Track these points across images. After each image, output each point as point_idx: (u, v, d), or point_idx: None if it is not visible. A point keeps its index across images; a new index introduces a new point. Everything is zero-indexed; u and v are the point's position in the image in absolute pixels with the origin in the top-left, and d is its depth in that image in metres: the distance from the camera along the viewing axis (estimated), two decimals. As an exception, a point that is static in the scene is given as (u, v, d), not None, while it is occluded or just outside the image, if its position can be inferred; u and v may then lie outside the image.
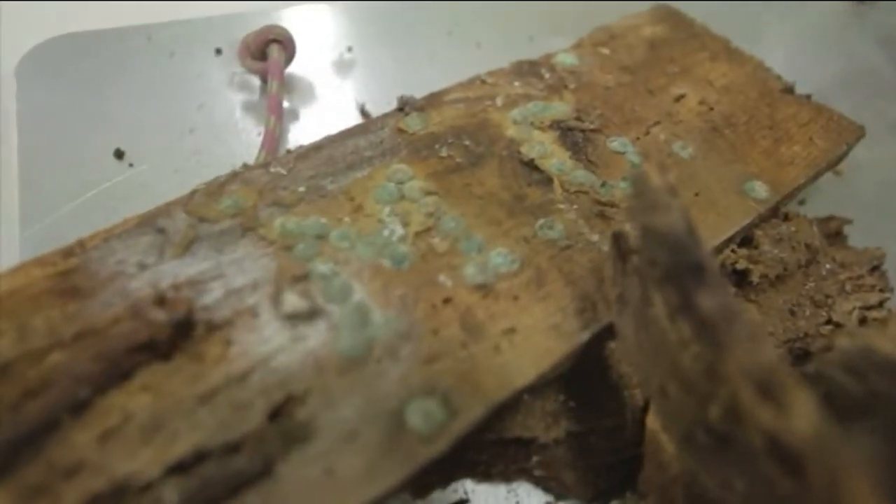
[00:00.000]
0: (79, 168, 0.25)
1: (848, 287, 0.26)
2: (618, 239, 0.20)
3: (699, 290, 0.15)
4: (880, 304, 0.26)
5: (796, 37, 0.42)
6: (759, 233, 0.25)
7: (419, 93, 0.27)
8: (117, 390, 0.17)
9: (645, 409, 0.22)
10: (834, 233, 0.29)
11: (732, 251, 0.24)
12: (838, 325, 0.25)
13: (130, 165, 0.26)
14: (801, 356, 0.25)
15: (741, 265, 0.24)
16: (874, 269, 0.27)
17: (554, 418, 0.21)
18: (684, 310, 0.16)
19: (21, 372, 0.17)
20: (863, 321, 0.25)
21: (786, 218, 0.26)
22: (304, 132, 0.29)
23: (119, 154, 0.26)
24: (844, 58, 0.41)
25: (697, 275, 0.15)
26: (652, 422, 0.21)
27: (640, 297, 0.18)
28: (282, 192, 0.22)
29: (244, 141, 0.28)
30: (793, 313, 0.25)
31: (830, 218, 0.29)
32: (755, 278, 0.24)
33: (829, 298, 0.26)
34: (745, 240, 0.25)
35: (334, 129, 0.25)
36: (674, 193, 0.18)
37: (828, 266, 0.27)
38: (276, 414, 0.17)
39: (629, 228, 0.20)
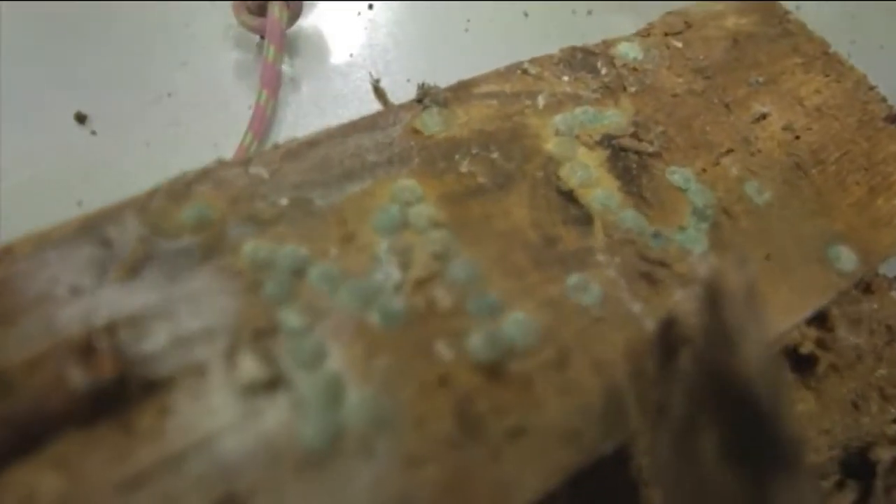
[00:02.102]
0: (31, 130, 0.21)
1: (926, 377, 0.22)
2: (667, 329, 0.16)
3: (775, 479, 0.11)
4: (962, 402, 0.22)
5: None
6: (834, 310, 0.20)
7: (448, 67, 0.22)
8: (23, 462, 0.14)
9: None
10: (916, 297, 0.25)
11: (799, 330, 0.20)
12: (907, 427, 0.21)
13: (93, 133, 0.22)
14: (857, 456, 0.21)
15: (806, 349, 0.20)
16: (959, 353, 0.23)
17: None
18: (751, 500, 0.12)
19: None
20: (937, 423, 0.21)
21: (867, 289, 0.22)
22: (303, 108, 0.24)
23: (81, 118, 0.22)
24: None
25: (776, 457, 0.11)
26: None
27: (685, 415, 0.15)
28: (259, 203, 0.18)
29: (232, 112, 0.23)
30: (856, 407, 0.21)
31: (915, 279, 0.25)
32: (822, 368, 0.20)
33: (901, 391, 0.21)
34: (817, 315, 0.20)
35: (339, 107, 0.20)
36: (755, 302, 0.14)
37: (906, 347, 0.22)
38: (213, 518, 0.14)
39: (683, 315, 0.16)
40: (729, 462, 0.13)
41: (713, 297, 0.14)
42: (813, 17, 0.30)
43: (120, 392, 0.15)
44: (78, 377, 0.14)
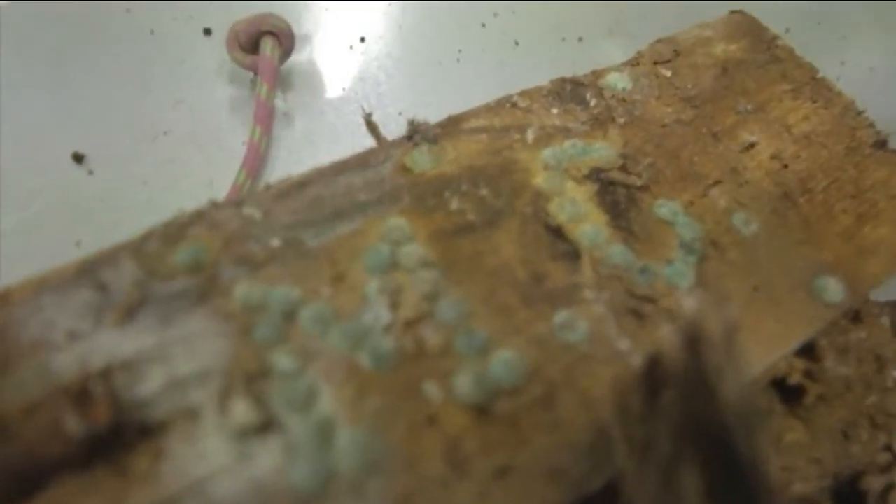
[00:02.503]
0: (30, 170, 0.22)
1: (916, 403, 0.22)
2: (653, 367, 0.16)
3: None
4: (952, 429, 0.22)
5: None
6: (822, 341, 0.21)
7: (440, 97, 0.23)
8: (21, 506, 0.14)
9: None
10: (907, 322, 0.25)
11: (787, 361, 0.20)
12: (898, 455, 0.21)
13: (90, 172, 0.22)
14: (848, 485, 0.21)
15: (795, 379, 0.20)
16: (950, 379, 0.23)
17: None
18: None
19: None
20: (928, 451, 0.21)
21: (855, 317, 0.22)
22: (297, 143, 0.24)
23: (78, 157, 0.22)
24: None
25: (746, 495, 0.12)
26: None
27: (670, 454, 0.15)
28: (252, 244, 0.19)
29: (226, 149, 0.24)
30: (846, 436, 0.21)
31: (905, 304, 0.25)
32: (810, 399, 0.20)
33: (891, 419, 0.22)
34: (804, 346, 0.21)
35: (332, 142, 0.21)
36: (734, 344, 0.14)
37: (895, 374, 0.22)
38: (205, 563, 0.14)
39: (668, 352, 0.16)
40: (708, 500, 0.13)
41: (693, 338, 0.14)
42: (804, 38, 0.30)
43: (115, 437, 0.15)
44: (74, 424, 0.15)
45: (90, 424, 0.15)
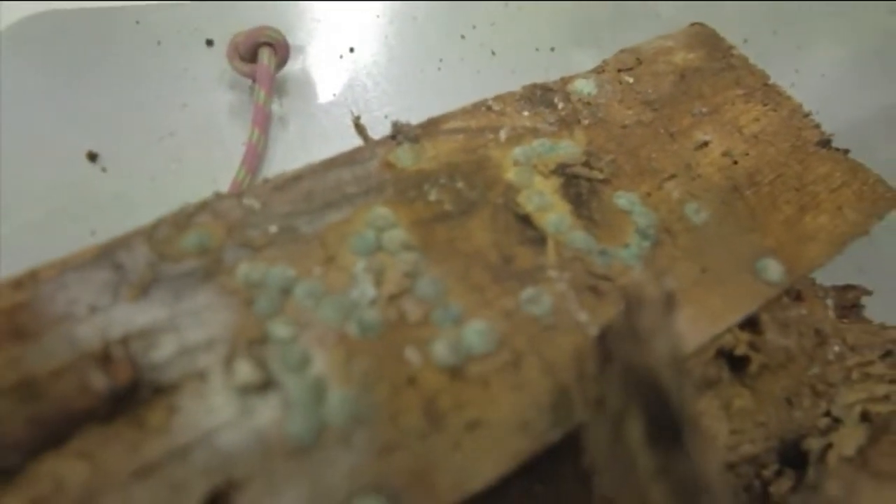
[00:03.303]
0: (49, 167, 0.24)
1: (854, 375, 0.24)
2: (605, 336, 0.18)
3: (676, 453, 0.14)
4: (886, 398, 0.24)
5: (851, 58, 0.39)
6: (764, 316, 0.23)
7: (422, 102, 0.25)
8: (51, 454, 0.17)
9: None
10: (850, 304, 0.27)
11: (733, 334, 0.23)
12: (836, 420, 0.23)
13: (103, 170, 0.24)
14: (792, 447, 0.23)
15: (740, 350, 0.22)
16: (886, 354, 0.25)
17: (516, 501, 0.20)
18: (661, 472, 0.14)
19: (-47, 422, 0.16)
20: (864, 416, 0.23)
21: (798, 297, 0.24)
22: (291, 144, 0.27)
23: (92, 156, 0.24)
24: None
25: (676, 434, 0.14)
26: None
27: (618, 408, 0.17)
28: (252, 231, 0.21)
29: (227, 149, 0.26)
30: (790, 403, 0.23)
31: (848, 287, 0.27)
32: (754, 367, 0.22)
33: (831, 388, 0.24)
34: (749, 320, 0.23)
35: (323, 143, 0.23)
36: (670, 309, 0.16)
37: (836, 349, 0.25)
38: (215, 500, 0.16)
39: (619, 322, 0.18)
40: (647, 443, 0.15)
41: (634, 301, 0.16)
42: (762, 48, 0.33)
43: (134, 394, 0.17)
44: (99, 381, 0.17)
45: (113, 382, 0.17)
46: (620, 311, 0.17)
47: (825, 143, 0.28)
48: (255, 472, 0.17)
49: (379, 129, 0.25)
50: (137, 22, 0.28)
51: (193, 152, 0.26)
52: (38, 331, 0.18)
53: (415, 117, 0.24)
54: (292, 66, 0.29)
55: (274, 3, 0.30)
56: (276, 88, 0.27)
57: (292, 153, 0.24)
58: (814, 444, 0.23)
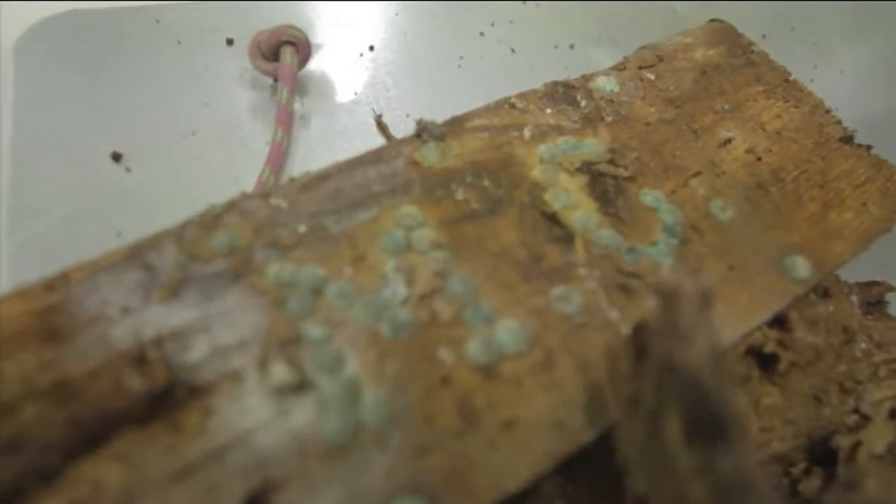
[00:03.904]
0: (74, 167, 0.24)
1: (882, 372, 0.24)
2: (639, 333, 0.18)
3: (719, 450, 0.14)
4: (913, 395, 0.24)
5: (869, 54, 0.39)
6: (793, 314, 0.23)
7: (443, 101, 0.25)
8: (89, 457, 0.16)
9: (646, 502, 0.20)
10: (875, 301, 0.27)
11: (761, 331, 0.22)
12: (865, 417, 0.23)
13: (128, 170, 0.24)
14: (821, 444, 0.23)
15: (769, 348, 0.22)
16: (912, 350, 0.25)
17: (549, 501, 0.20)
18: (702, 470, 0.14)
19: (-10, 425, 0.16)
20: (893, 413, 0.23)
21: (825, 293, 0.24)
22: (313, 143, 0.27)
23: (116, 157, 0.24)
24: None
25: (720, 431, 0.14)
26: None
27: (654, 406, 0.17)
28: (280, 230, 0.21)
29: (249, 148, 0.26)
30: (818, 400, 0.23)
31: (873, 284, 0.27)
32: (783, 365, 0.22)
33: (859, 385, 0.24)
34: (778, 318, 0.23)
35: (346, 142, 0.23)
36: (707, 306, 0.16)
37: (863, 345, 0.25)
38: (253, 501, 0.16)
39: (653, 319, 0.18)
40: (687, 440, 0.15)
41: (670, 299, 0.16)
42: (779, 45, 0.33)
43: (169, 396, 0.17)
44: (135, 383, 0.17)
45: (149, 383, 0.17)
46: (655, 308, 0.17)
47: (848, 139, 0.28)
48: (291, 473, 0.17)
49: (400, 128, 0.25)
50: (157, 21, 0.28)
51: (215, 151, 0.26)
52: (71, 332, 0.18)
53: (435, 115, 0.24)
54: (313, 65, 0.29)
55: (293, 2, 0.30)
56: (298, 87, 0.27)
57: (314, 152, 0.24)
58: (843, 441, 0.23)
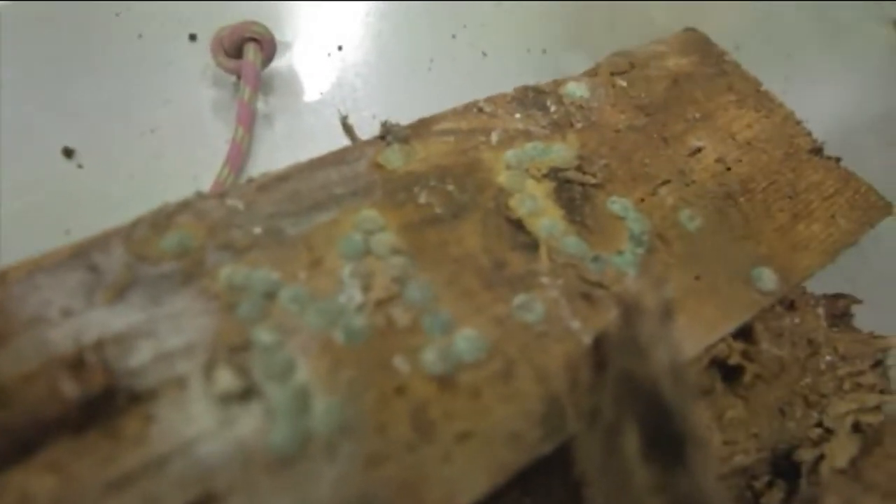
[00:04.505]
0: (22, 164, 0.23)
1: (846, 385, 0.24)
2: (599, 344, 0.18)
3: (676, 468, 0.13)
4: (877, 409, 0.24)
5: (840, 66, 0.39)
6: (758, 326, 0.23)
7: (412, 104, 0.24)
8: (19, 466, 0.16)
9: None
10: (840, 313, 0.27)
11: (726, 343, 0.22)
12: (828, 431, 0.23)
13: (80, 166, 0.23)
14: (784, 458, 0.23)
15: (734, 360, 0.22)
16: (877, 364, 0.25)
17: (506, 515, 0.20)
18: (659, 488, 0.13)
19: (-87, 431, 0.16)
20: (856, 427, 0.23)
21: (791, 306, 0.24)
22: (277, 143, 0.26)
23: (68, 153, 0.23)
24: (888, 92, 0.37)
25: (678, 449, 0.13)
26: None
27: (613, 420, 0.16)
28: (235, 231, 0.20)
29: (210, 147, 0.25)
30: (783, 413, 0.23)
31: (838, 297, 0.27)
32: (748, 378, 0.22)
33: (823, 398, 0.24)
34: (743, 330, 0.23)
35: (310, 142, 0.22)
36: (669, 318, 0.16)
37: (827, 358, 0.25)
38: (191, 515, 0.16)
39: (614, 331, 0.18)
40: (644, 456, 0.15)
41: (631, 310, 0.16)
42: (752, 55, 0.33)
43: (108, 402, 0.16)
44: (70, 388, 0.16)
45: (85, 388, 0.16)
46: (617, 320, 0.16)
47: (817, 150, 0.28)
48: (235, 485, 0.16)
49: (367, 130, 0.24)
50: (117, 14, 0.27)
51: (174, 150, 0.25)
52: (6, 334, 0.17)
53: (404, 118, 0.24)
54: (278, 64, 0.28)
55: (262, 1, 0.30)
56: (262, 86, 0.26)
57: (277, 153, 0.23)
58: (806, 455, 0.23)
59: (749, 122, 0.28)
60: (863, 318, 0.27)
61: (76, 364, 0.17)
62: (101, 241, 0.19)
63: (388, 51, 0.30)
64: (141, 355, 0.17)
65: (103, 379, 0.16)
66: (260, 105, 0.27)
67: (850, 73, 0.35)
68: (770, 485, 0.23)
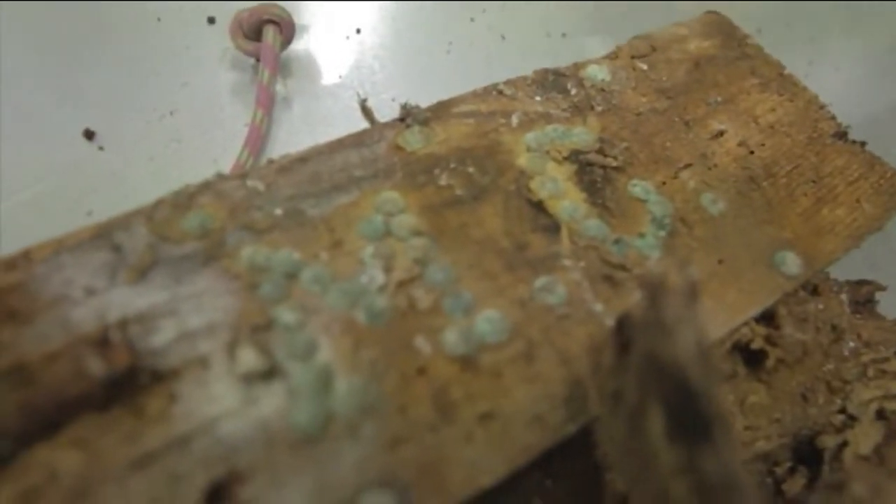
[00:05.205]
0: (45, 146, 0.23)
1: (870, 372, 0.24)
2: (623, 325, 0.18)
3: (702, 449, 0.13)
4: (902, 395, 0.24)
5: (864, 50, 0.38)
6: (782, 310, 0.22)
7: (430, 87, 0.24)
8: (44, 443, 0.16)
9: (625, 500, 0.20)
10: (864, 300, 0.27)
11: (749, 327, 0.22)
12: (852, 417, 0.23)
13: (100, 148, 0.23)
14: (806, 444, 0.23)
15: (756, 344, 0.22)
16: (901, 351, 0.25)
17: (526, 498, 0.20)
18: (685, 469, 0.13)
19: (-59, 408, 0.16)
20: (880, 414, 0.23)
21: (814, 291, 0.24)
22: (296, 125, 0.26)
23: (89, 134, 0.24)
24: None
25: (703, 430, 0.13)
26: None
27: (637, 402, 0.16)
28: (256, 213, 0.20)
29: (229, 130, 0.25)
30: (805, 398, 0.23)
31: (863, 283, 0.27)
32: (770, 362, 0.22)
33: (846, 385, 0.23)
34: (766, 314, 0.22)
35: (329, 125, 0.22)
36: (694, 300, 0.15)
37: (851, 344, 0.24)
38: (216, 493, 0.16)
39: (637, 313, 0.18)
40: (669, 437, 0.15)
41: (656, 291, 0.15)
42: (775, 38, 0.32)
43: (132, 381, 0.16)
44: (95, 366, 0.16)
45: (110, 366, 0.16)
46: (641, 301, 0.16)
47: (841, 134, 0.27)
48: (258, 464, 0.16)
49: (385, 113, 0.24)
50: (137, -2, 0.27)
51: (194, 132, 0.25)
52: (31, 313, 0.17)
53: (422, 101, 0.24)
54: (297, 46, 0.28)
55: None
56: (280, 68, 0.26)
57: (296, 135, 0.23)
58: (829, 441, 0.22)
59: (772, 106, 0.27)
60: (886, 305, 0.26)
61: (101, 343, 0.17)
62: (124, 222, 0.19)
63: (407, 34, 0.29)
64: (164, 334, 0.17)
65: (128, 357, 0.16)
66: (278, 88, 0.26)
67: (873, 56, 0.34)
68: (792, 471, 0.23)
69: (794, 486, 0.22)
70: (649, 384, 0.16)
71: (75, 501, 0.15)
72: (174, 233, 0.19)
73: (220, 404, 0.17)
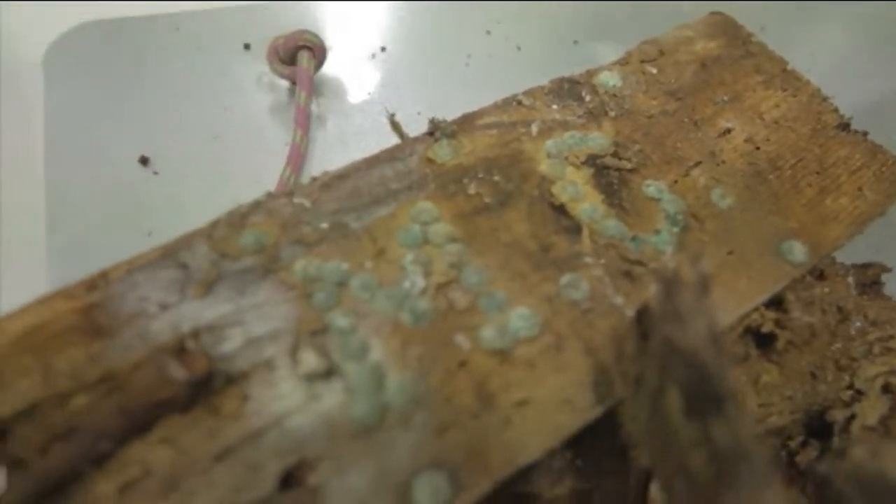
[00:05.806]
0: (104, 173, 0.25)
1: (876, 349, 0.25)
2: (642, 315, 0.20)
3: (715, 422, 0.15)
4: (907, 370, 0.25)
5: (864, 46, 0.39)
6: (790, 295, 0.24)
7: (453, 98, 0.26)
8: (138, 441, 0.18)
9: (650, 475, 0.22)
10: (870, 281, 0.28)
11: (759, 312, 0.24)
12: (859, 392, 0.24)
13: (155, 173, 0.26)
14: (817, 418, 0.25)
15: (767, 328, 0.24)
16: (906, 328, 0.27)
17: (559, 475, 0.22)
18: (701, 441, 0.15)
19: (47, 414, 0.18)
20: (886, 388, 0.25)
21: (821, 275, 0.25)
22: (330, 142, 0.28)
23: (144, 161, 0.26)
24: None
25: (716, 405, 0.15)
26: (656, 492, 0.21)
27: (657, 384, 0.18)
28: (305, 227, 0.22)
29: (270, 149, 0.27)
30: (815, 376, 0.25)
31: (868, 266, 0.28)
32: (780, 344, 0.23)
33: (854, 362, 0.25)
34: (774, 299, 0.24)
35: (361, 140, 0.24)
36: (706, 290, 0.17)
37: (857, 324, 0.26)
38: (288, 479, 0.18)
39: (654, 304, 0.20)
40: (687, 414, 0.17)
41: (671, 284, 0.17)
42: (778, 35, 0.34)
43: (208, 384, 0.19)
44: (177, 372, 0.18)
45: (190, 372, 0.18)
46: (658, 293, 0.18)
47: (844, 126, 0.29)
48: (323, 453, 0.18)
49: (412, 126, 0.26)
50: (177, 28, 0.29)
51: (237, 153, 0.27)
52: (113, 328, 0.19)
53: (445, 113, 0.25)
54: (326, 68, 0.30)
55: (305, 4, 0.31)
56: (314, 90, 0.28)
57: (331, 151, 0.25)
58: (838, 415, 0.24)
59: (776, 102, 0.29)
60: (893, 286, 0.28)
61: (179, 351, 0.19)
62: (186, 242, 0.21)
63: (428, 49, 0.31)
64: (233, 342, 0.19)
65: (205, 363, 0.19)
66: (313, 108, 0.28)
67: (874, 48, 0.36)
68: (804, 444, 0.25)
69: (807, 457, 0.24)
70: (667, 368, 0.18)
71: (168, 492, 0.17)
72: (233, 249, 0.21)
73: (287, 402, 0.19)
